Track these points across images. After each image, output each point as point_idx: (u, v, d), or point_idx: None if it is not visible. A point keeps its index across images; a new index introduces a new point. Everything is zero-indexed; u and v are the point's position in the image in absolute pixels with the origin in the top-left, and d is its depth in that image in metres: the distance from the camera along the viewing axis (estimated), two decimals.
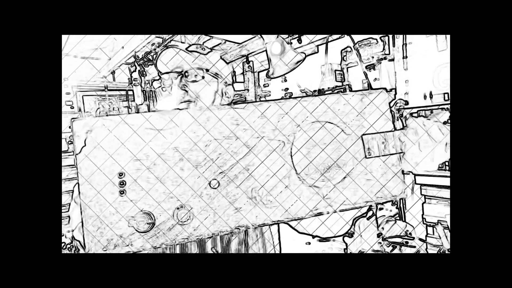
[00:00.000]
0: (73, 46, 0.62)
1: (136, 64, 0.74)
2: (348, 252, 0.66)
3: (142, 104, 0.76)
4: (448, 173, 0.62)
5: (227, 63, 0.70)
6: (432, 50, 0.63)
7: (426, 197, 0.64)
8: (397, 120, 0.63)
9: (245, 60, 0.79)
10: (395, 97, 0.64)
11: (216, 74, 0.68)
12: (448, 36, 0.61)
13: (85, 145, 0.52)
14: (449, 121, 0.61)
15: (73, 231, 0.57)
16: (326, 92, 0.66)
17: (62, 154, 0.64)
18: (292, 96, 0.71)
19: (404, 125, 0.62)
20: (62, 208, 0.58)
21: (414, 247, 0.65)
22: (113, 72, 0.72)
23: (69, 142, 0.65)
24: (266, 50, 0.68)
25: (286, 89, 0.74)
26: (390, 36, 0.64)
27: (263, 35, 0.66)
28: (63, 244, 0.61)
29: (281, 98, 0.59)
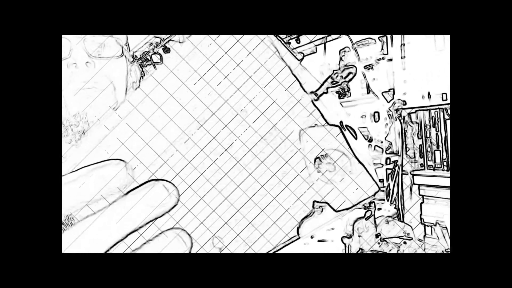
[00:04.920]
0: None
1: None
2: (348, 252, 0.66)
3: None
4: (448, 173, 0.62)
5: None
6: (431, 50, 0.62)
7: (425, 197, 0.64)
8: (396, 120, 0.62)
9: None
10: (393, 97, 0.64)
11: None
12: (448, 36, 0.61)
13: None
14: (449, 117, 0.61)
15: None
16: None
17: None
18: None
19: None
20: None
21: (414, 247, 0.65)
22: None
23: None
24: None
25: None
26: (389, 36, 0.64)
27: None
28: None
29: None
